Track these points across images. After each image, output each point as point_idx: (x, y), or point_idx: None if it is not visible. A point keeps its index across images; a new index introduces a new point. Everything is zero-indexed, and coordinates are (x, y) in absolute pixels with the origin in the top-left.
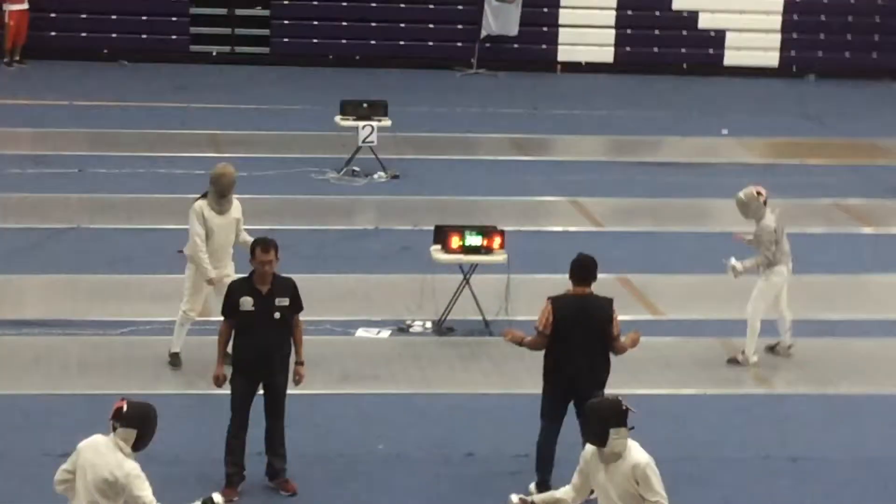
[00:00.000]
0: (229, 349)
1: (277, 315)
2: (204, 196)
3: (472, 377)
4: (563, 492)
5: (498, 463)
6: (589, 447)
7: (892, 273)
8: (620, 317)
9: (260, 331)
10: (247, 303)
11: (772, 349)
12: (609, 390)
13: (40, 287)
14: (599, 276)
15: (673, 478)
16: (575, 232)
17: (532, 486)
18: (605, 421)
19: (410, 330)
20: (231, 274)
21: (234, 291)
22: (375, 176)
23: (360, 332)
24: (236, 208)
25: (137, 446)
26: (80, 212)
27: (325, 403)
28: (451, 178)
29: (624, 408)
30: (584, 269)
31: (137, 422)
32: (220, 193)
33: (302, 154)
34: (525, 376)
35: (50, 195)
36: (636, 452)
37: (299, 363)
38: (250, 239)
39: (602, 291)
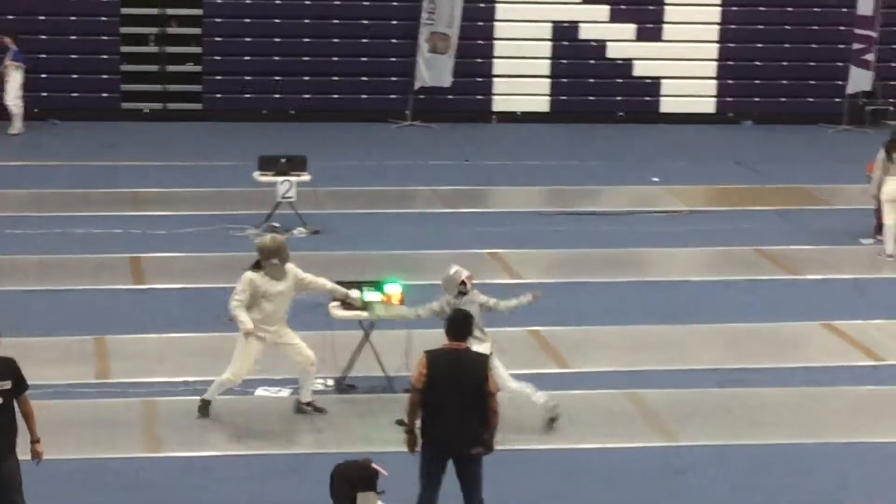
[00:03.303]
0: None
1: (1, 400)
2: (255, 267)
3: (370, 435)
4: None
5: None
6: None
7: (806, 320)
8: (528, 370)
9: None
10: None
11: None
12: (508, 445)
13: None
14: (508, 329)
15: None
16: (490, 284)
17: None
18: (351, 484)
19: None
20: (289, 335)
21: None
22: (295, 231)
23: (260, 392)
24: (291, 272)
25: None
26: None
27: (215, 465)
28: (373, 233)
29: (372, 470)
30: (458, 325)
31: None
32: (283, 262)
33: (223, 211)
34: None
35: None
36: None
37: (35, 441)
38: (324, 282)
39: (510, 344)
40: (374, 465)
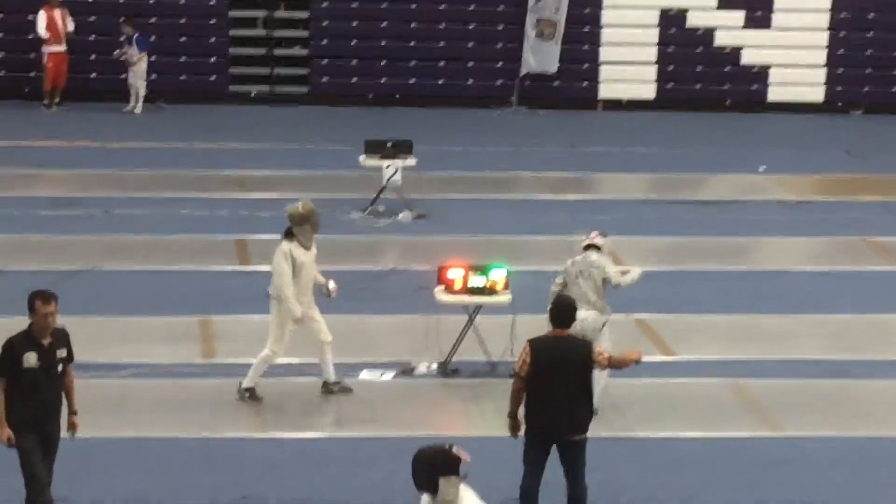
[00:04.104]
0: None
1: (60, 367)
2: (286, 236)
3: (473, 420)
4: None
5: None
6: (425, 495)
7: None
8: None
9: (45, 386)
10: (30, 358)
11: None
12: (611, 433)
13: None
14: (613, 317)
15: None
16: None
17: None
18: (434, 469)
19: (415, 372)
20: (315, 309)
21: (14, 347)
22: (400, 216)
23: (364, 375)
24: (314, 245)
25: None
26: (98, 253)
27: (318, 447)
28: (478, 218)
29: (454, 455)
30: (562, 312)
31: None
32: (314, 229)
33: (329, 194)
34: None
35: (71, 237)
36: (469, 501)
37: (73, 413)
38: (322, 279)
39: (615, 332)
40: (456, 450)
